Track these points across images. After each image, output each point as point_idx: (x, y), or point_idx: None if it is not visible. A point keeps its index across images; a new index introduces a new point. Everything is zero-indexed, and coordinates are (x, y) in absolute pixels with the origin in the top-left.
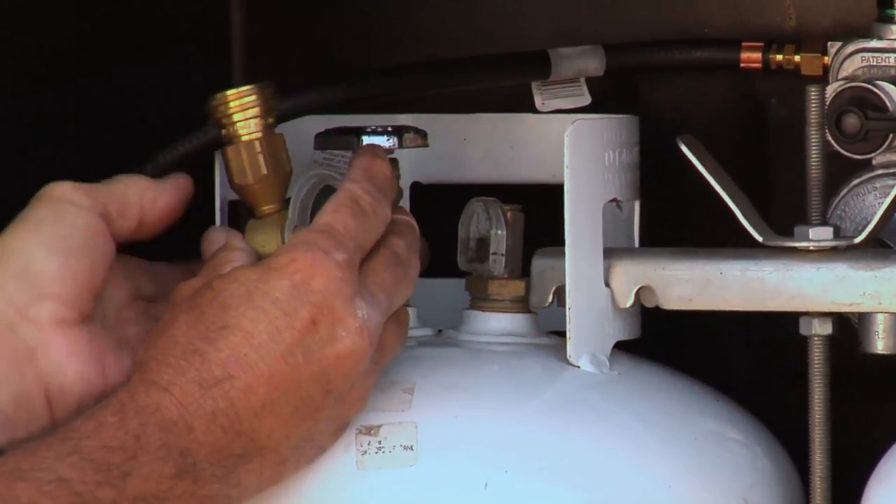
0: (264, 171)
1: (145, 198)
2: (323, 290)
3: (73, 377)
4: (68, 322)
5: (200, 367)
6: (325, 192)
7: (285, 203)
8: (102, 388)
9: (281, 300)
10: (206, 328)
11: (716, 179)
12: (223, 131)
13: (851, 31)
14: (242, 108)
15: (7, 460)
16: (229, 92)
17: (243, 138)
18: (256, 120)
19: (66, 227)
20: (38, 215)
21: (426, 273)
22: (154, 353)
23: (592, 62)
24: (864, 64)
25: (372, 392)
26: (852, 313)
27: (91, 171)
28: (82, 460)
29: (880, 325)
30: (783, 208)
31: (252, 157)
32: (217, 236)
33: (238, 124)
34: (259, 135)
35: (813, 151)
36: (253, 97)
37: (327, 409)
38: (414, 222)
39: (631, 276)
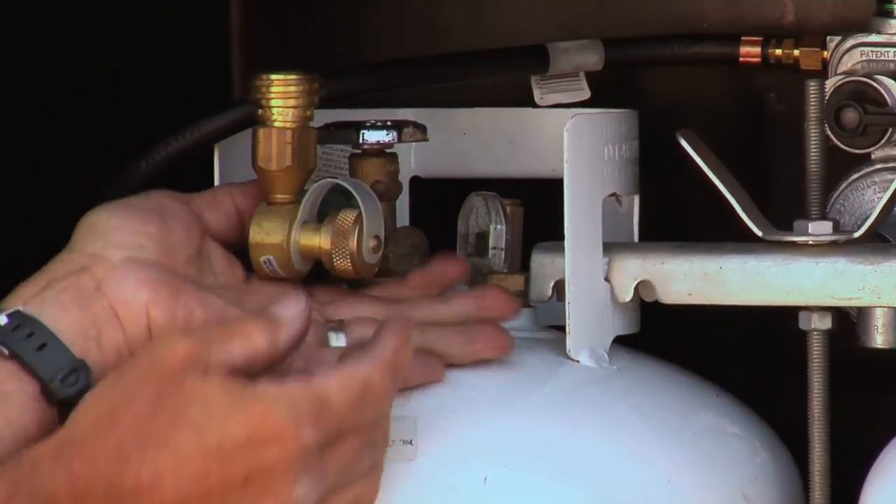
0: (289, 161)
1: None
2: (273, 460)
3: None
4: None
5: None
6: (335, 192)
7: (300, 196)
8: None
9: (227, 449)
10: (146, 435)
11: (715, 174)
12: (259, 111)
13: (850, 26)
14: (284, 96)
15: None
16: (274, 76)
17: (276, 124)
18: (294, 110)
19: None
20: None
21: None
22: (72, 433)
23: (591, 56)
24: (864, 58)
25: None
26: (851, 308)
27: (90, 170)
28: None
29: (879, 320)
30: (782, 203)
31: (281, 145)
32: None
33: (275, 110)
34: (293, 125)
35: (812, 146)
36: (296, 87)
37: None
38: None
39: (630, 271)
